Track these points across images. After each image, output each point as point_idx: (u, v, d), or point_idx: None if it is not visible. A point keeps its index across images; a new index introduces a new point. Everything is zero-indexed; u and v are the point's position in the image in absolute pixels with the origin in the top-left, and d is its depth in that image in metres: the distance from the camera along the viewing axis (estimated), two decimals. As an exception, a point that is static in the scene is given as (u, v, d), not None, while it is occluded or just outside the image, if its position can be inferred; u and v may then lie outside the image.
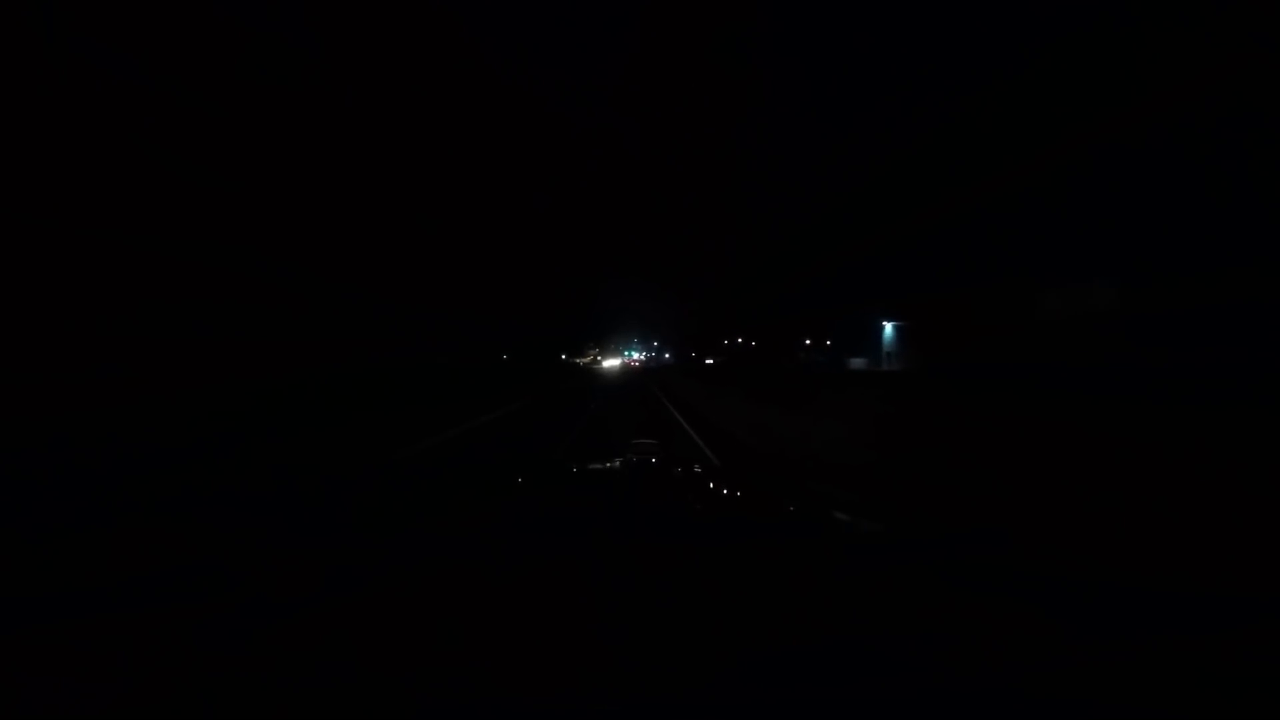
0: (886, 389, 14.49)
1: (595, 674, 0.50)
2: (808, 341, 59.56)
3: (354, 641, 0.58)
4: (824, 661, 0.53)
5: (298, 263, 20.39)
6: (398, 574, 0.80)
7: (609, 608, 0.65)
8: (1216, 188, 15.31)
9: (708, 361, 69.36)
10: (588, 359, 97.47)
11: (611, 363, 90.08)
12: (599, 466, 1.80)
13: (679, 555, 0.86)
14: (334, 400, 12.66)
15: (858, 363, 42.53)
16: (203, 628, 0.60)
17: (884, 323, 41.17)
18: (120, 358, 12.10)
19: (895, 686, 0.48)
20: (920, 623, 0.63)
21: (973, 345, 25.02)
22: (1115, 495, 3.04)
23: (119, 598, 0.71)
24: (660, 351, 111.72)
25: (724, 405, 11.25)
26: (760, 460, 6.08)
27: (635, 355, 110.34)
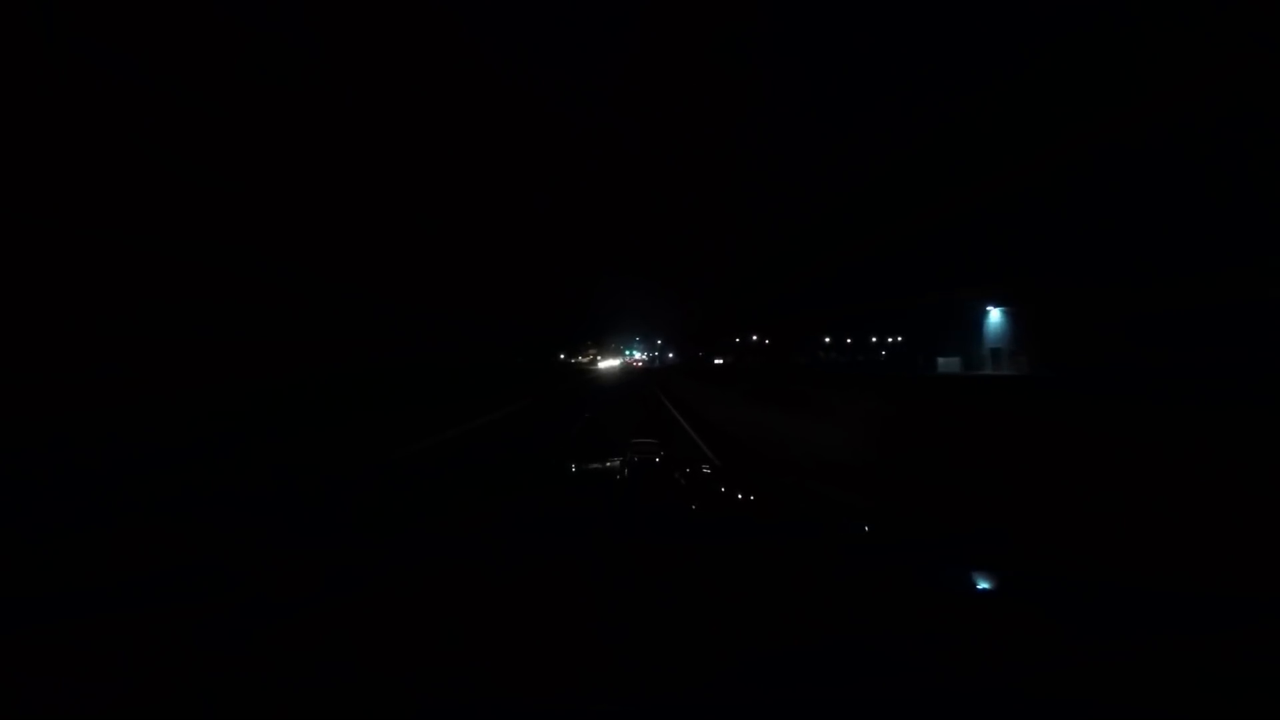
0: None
1: (595, 674, 0.50)
2: (827, 340, 58.19)
3: (354, 641, 0.58)
4: (824, 661, 0.53)
5: (298, 263, 20.38)
6: (398, 574, 0.80)
7: (609, 608, 0.65)
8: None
9: (716, 361, 65.11)
10: (587, 358, 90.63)
11: (610, 363, 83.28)
12: (599, 466, 1.80)
13: (679, 555, 0.86)
14: (334, 400, 12.67)
15: (948, 364, 29.88)
16: (203, 628, 0.60)
17: (988, 308, 28.54)
18: (120, 358, 12.09)
19: (895, 686, 0.48)
20: (920, 623, 0.63)
21: (1150, 338, 17.40)
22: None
23: (119, 598, 0.71)
24: (664, 350, 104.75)
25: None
26: (762, 461, 6.07)
27: (637, 354, 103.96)
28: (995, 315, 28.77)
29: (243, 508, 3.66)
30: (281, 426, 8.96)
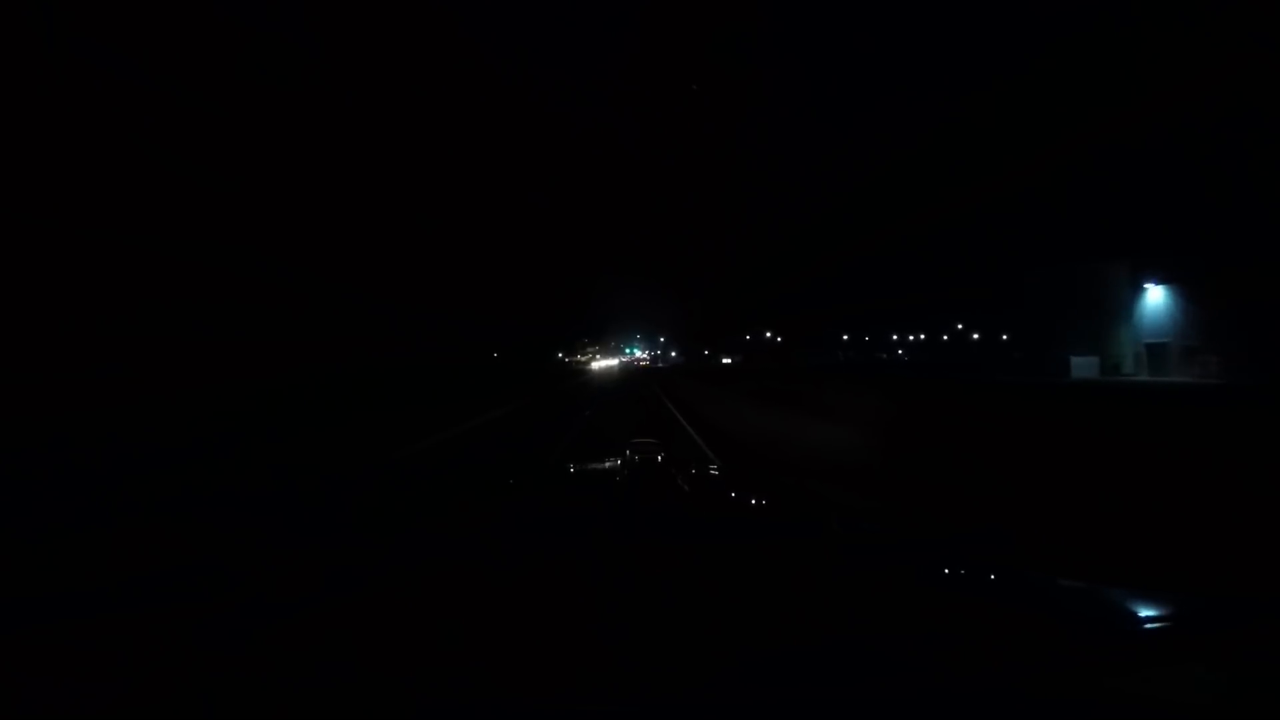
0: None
1: (595, 674, 0.50)
2: (844, 337, 56.91)
3: (354, 641, 0.58)
4: (824, 661, 0.53)
5: (298, 263, 20.38)
6: (398, 574, 0.80)
7: (609, 608, 0.65)
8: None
9: (725, 361, 60.84)
10: (586, 357, 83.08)
11: (608, 363, 74.64)
12: (599, 466, 1.80)
13: (679, 555, 0.86)
14: (333, 400, 12.67)
15: (1084, 365, 20.30)
16: (203, 628, 0.60)
17: (1146, 286, 19.99)
18: (120, 358, 12.09)
19: (895, 686, 0.48)
20: (920, 623, 0.63)
21: None
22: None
23: (119, 598, 0.71)
24: (666, 349, 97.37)
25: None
26: (762, 461, 6.07)
27: (638, 353, 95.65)
28: (1156, 296, 19.56)
29: (243, 508, 3.66)
30: (281, 426, 8.96)
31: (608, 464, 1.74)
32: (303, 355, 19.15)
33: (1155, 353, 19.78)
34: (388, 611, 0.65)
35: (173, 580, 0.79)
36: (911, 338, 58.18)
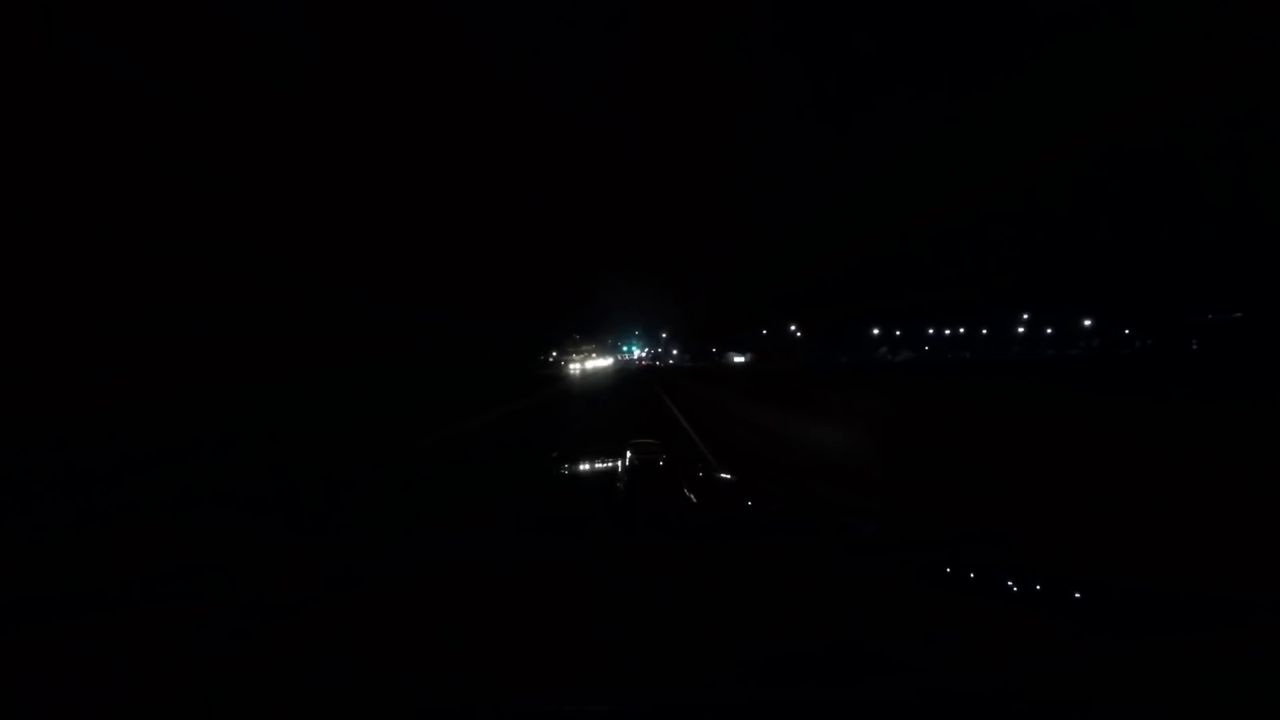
0: None
1: (595, 674, 0.50)
2: (875, 331, 54.96)
3: (354, 641, 0.58)
4: (824, 661, 0.53)
5: (298, 263, 20.38)
6: (398, 574, 0.80)
7: (609, 608, 0.65)
8: None
9: (736, 359, 56.17)
10: (581, 356, 63.63)
11: (599, 364, 60.09)
12: (600, 466, 1.80)
13: (679, 555, 0.86)
14: (334, 400, 12.66)
15: None
16: (203, 628, 0.60)
17: None
18: (120, 358, 12.09)
19: (895, 686, 0.48)
20: (920, 623, 0.63)
21: None
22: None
23: (119, 598, 0.71)
24: (668, 346, 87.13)
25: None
26: (761, 462, 6.07)
27: (637, 352, 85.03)
28: None
29: (243, 508, 3.67)
30: (281, 426, 8.96)
31: (608, 464, 1.74)
32: (303, 355, 19.14)
33: None
34: (388, 612, 0.65)
35: (173, 580, 0.79)
36: (948, 331, 56.98)
